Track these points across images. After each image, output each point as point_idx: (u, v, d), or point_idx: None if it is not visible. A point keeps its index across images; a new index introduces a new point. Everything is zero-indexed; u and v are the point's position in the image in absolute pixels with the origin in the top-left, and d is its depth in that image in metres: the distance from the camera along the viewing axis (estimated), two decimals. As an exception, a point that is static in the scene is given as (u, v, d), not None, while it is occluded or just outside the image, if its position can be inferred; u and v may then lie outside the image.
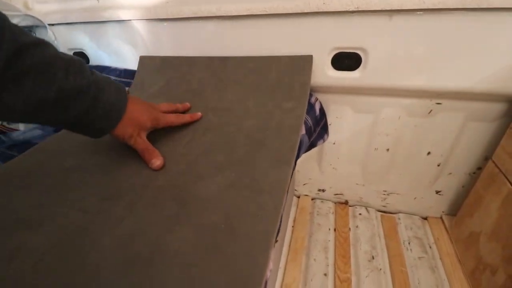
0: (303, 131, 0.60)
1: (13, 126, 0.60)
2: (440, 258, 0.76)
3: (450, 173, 0.80)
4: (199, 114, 0.56)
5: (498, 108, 0.65)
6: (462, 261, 0.72)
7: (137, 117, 0.42)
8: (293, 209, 0.96)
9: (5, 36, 0.26)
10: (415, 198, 0.88)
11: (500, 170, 0.62)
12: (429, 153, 0.77)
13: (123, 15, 0.75)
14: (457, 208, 0.80)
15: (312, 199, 1.00)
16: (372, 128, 0.78)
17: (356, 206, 0.95)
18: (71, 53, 0.94)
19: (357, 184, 0.91)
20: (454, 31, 0.55)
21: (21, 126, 0.61)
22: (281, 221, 0.41)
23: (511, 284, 0.55)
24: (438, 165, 0.78)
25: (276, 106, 0.56)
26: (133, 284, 0.27)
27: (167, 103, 0.55)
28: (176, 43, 0.75)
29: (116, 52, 0.85)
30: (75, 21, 0.82)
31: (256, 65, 0.65)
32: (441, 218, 0.87)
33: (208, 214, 0.34)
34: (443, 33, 0.55)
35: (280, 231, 0.60)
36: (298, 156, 0.58)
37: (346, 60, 0.64)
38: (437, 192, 0.84)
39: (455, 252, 0.75)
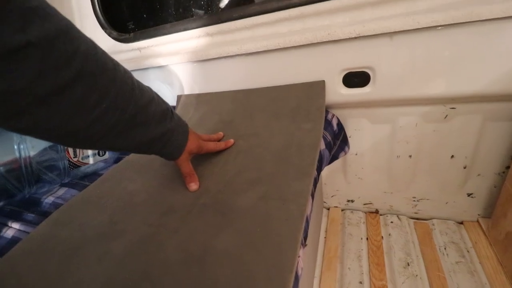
0: (323, 146, 0.67)
1: (84, 160, 0.75)
2: (480, 262, 0.74)
3: (479, 175, 0.80)
4: (232, 141, 0.66)
5: (507, 107, 0.67)
6: (502, 263, 0.71)
7: (189, 145, 0.52)
8: (324, 220, 1.00)
9: (137, 94, 0.38)
10: (446, 202, 0.88)
11: (526, 167, 0.63)
12: (452, 156, 0.79)
13: (161, 61, 0.90)
14: (493, 209, 0.79)
15: (342, 210, 1.03)
16: (391, 137, 0.82)
17: (387, 215, 0.97)
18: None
19: (385, 192, 0.94)
20: (451, 43, 0.60)
21: (91, 160, 0.75)
22: (308, 226, 0.48)
23: (553, 282, 0.54)
24: (465, 168, 0.79)
25: (297, 128, 0.64)
26: (192, 277, 0.36)
27: (205, 134, 0.66)
28: (206, 81, 0.88)
29: (157, 92, 1.00)
30: (123, 72, 0.99)
31: (276, 94, 0.74)
32: (477, 221, 0.86)
33: (245, 221, 0.42)
34: (442, 46, 0.61)
35: (309, 237, 0.66)
36: (320, 169, 0.65)
37: (356, 79, 0.71)
38: (469, 195, 0.84)
39: (495, 255, 0.74)
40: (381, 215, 0.98)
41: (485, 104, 0.69)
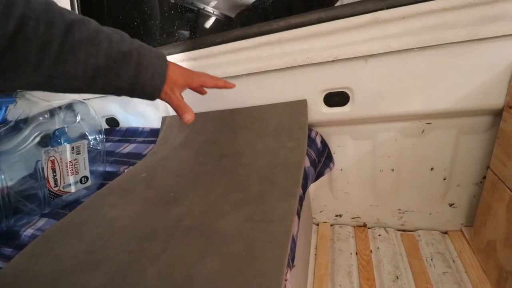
0: (308, 164, 0.69)
1: (65, 189, 0.73)
2: (465, 271, 0.76)
3: (458, 185, 0.83)
4: (233, 84, 0.55)
5: (485, 120, 0.71)
6: (487, 272, 0.73)
7: (172, 74, 0.44)
8: (313, 237, 1.00)
9: (56, 16, 0.32)
10: (430, 213, 0.90)
11: (499, 178, 0.66)
12: (432, 168, 0.82)
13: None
14: (474, 218, 0.82)
15: (331, 225, 1.04)
16: (373, 152, 0.84)
17: (375, 228, 0.98)
18: (104, 119, 1.10)
19: (371, 205, 0.95)
20: (423, 64, 0.64)
21: (72, 188, 0.73)
22: (295, 246, 0.48)
23: (533, 289, 0.56)
24: (444, 179, 0.82)
25: (281, 147, 0.65)
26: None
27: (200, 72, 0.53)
28: (191, 102, 0.87)
29: (142, 114, 1.00)
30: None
31: (259, 114, 0.76)
32: (461, 230, 0.88)
33: (230, 245, 0.42)
34: (414, 67, 0.65)
35: (299, 256, 0.66)
36: (306, 186, 0.66)
37: (336, 98, 0.74)
38: (450, 205, 0.87)
39: (480, 264, 0.76)
40: (369, 228, 0.99)
41: (458, 119, 0.73)
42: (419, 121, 0.75)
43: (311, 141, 0.76)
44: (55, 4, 0.33)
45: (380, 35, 0.63)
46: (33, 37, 0.30)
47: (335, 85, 0.72)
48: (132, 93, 0.41)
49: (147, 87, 0.41)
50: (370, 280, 0.80)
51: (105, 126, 1.12)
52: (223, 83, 0.54)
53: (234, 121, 0.78)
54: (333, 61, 0.67)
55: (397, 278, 0.79)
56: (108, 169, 0.80)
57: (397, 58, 0.65)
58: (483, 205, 0.74)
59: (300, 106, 0.73)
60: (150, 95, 0.42)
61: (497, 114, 0.68)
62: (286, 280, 0.39)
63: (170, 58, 0.86)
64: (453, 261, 0.80)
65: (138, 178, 0.69)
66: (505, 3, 0.54)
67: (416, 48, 0.62)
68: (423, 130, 0.77)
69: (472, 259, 0.78)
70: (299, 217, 0.52)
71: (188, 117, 0.47)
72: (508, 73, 0.60)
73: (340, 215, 1.02)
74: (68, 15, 0.33)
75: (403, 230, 0.95)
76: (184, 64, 0.85)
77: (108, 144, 0.96)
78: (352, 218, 1.01)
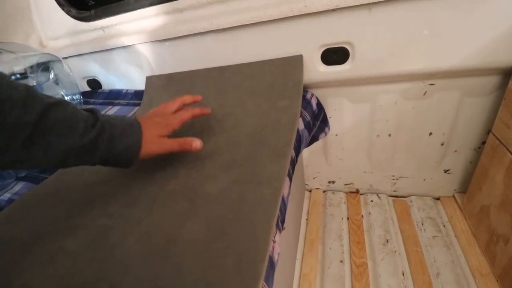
0: (302, 126, 0.64)
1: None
2: (455, 235, 0.76)
3: (456, 151, 0.80)
4: (209, 110, 0.57)
5: (491, 81, 0.67)
6: (476, 236, 0.73)
7: (152, 135, 0.44)
8: (305, 202, 1.00)
9: (36, 99, 0.33)
10: (424, 179, 0.89)
11: (501, 142, 0.63)
12: (430, 133, 0.78)
13: (126, 41, 0.82)
14: (468, 184, 0.81)
15: (324, 192, 1.03)
16: (371, 116, 0.80)
17: (367, 194, 0.97)
18: (85, 80, 1.03)
19: (365, 172, 0.94)
20: (431, 14, 0.57)
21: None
22: (285, 208, 0.45)
23: (523, 252, 0.56)
24: (442, 144, 0.79)
25: (272, 106, 0.60)
26: (153, 272, 0.32)
27: (174, 100, 0.55)
28: (178, 60, 0.81)
29: (125, 75, 0.93)
30: (85, 52, 0.91)
31: (251, 71, 0.69)
32: (453, 196, 0.88)
33: (216, 207, 0.39)
34: (421, 18, 0.58)
35: (289, 219, 0.64)
36: (299, 150, 0.62)
37: (335, 55, 0.68)
38: (445, 171, 0.85)
39: (470, 228, 0.76)
40: (361, 194, 0.98)
41: (463, 79, 0.68)
42: (422, 81, 0.70)
43: (306, 103, 0.71)
44: (35, 89, 0.34)
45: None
46: (7, 120, 0.30)
47: (334, 40, 0.65)
48: (107, 164, 0.41)
49: (122, 157, 0.41)
50: (360, 244, 0.80)
51: (86, 88, 1.04)
52: (199, 111, 0.55)
53: (223, 79, 0.72)
54: (333, 10, 0.60)
55: (387, 241, 0.79)
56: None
57: (403, 8, 0.57)
58: (480, 171, 0.72)
59: (295, 62, 0.66)
60: (126, 164, 0.42)
61: (506, 74, 0.63)
62: (274, 242, 0.36)
63: (152, 9, 0.78)
64: (444, 225, 0.80)
65: None
66: None
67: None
68: (425, 92, 0.72)
69: (463, 224, 0.78)
70: (290, 179, 0.49)
71: (196, 145, 0.48)
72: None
73: (333, 182, 1.01)
74: (46, 99, 0.34)
75: (396, 196, 0.95)
76: (169, 17, 0.77)
77: (90, 107, 0.90)
78: (345, 184, 1.00)
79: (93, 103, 0.93)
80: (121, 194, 0.46)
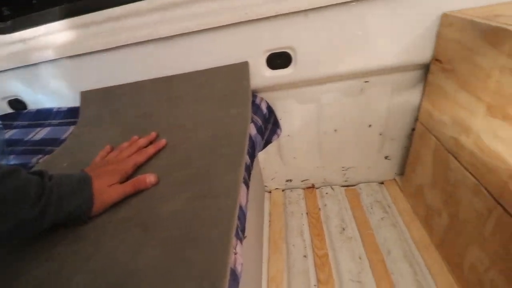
0: (254, 132, 0.65)
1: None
2: (399, 214, 0.85)
3: (393, 139, 0.90)
4: (163, 141, 0.56)
5: (415, 75, 0.76)
6: (416, 212, 0.83)
7: (103, 186, 0.42)
8: (266, 204, 1.01)
9: None
10: (369, 167, 0.97)
11: (426, 128, 0.73)
12: (370, 125, 0.86)
13: (54, 54, 0.74)
14: (405, 168, 0.91)
15: (283, 191, 1.06)
16: (317, 114, 0.85)
17: (322, 187, 1.03)
18: (5, 101, 0.89)
19: (317, 167, 0.99)
20: (362, 19, 0.63)
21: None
22: (244, 216, 0.45)
23: (452, 221, 0.65)
24: (380, 134, 0.88)
25: (223, 115, 0.60)
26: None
27: (131, 145, 0.55)
28: (118, 72, 0.76)
29: (55, 92, 0.83)
30: (3, 69, 0.79)
31: (198, 79, 0.68)
32: (394, 179, 0.98)
33: (172, 230, 0.37)
34: (354, 22, 0.64)
35: (250, 226, 0.64)
36: (254, 155, 0.63)
37: (279, 60, 0.70)
38: (386, 157, 0.95)
39: (410, 207, 0.86)
40: (317, 188, 1.03)
41: (392, 75, 0.76)
42: (358, 79, 0.77)
43: (256, 108, 0.72)
44: None
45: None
46: None
47: (277, 45, 0.68)
48: (58, 222, 0.39)
49: (73, 217, 0.40)
50: (320, 236, 0.84)
51: (7, 109, 0.91)
52: (154, 150, 0.54)
53: (170, 90, 0.69)
54: (274, 16, 0.62)
55: (343, 229, 0.85)
56: (14, 161, 0.65)
57: (337, 13, 0.62)
58: (413, 154, 0.82)
59: (241, 69, 0.67)
60: (79, 220, 0.41)
61: (425, 69, 0.73)
62: (236, 253, 0.36)
63: (81, 18, 0.71)
64: (389, 207, 0.89)
65: (58, 169, 0.57)
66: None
67: (353, 1, 0.60)
68: (362, 89, 0.79)
69: (404, 203, 0.88)
70: (247, 187, 0.49)
71: (150, 180, 0.46)
72: (435, 27, 0.63)
73: (291, 180, 1.05)
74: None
75: (347, 186, 1.02)
76: (102, 26, 0.70)
77: (12, 131, 0.78)
78: (302, 181, 1.04)
79: (17, 126, 0.81)
80: (63, 231, 0.41)
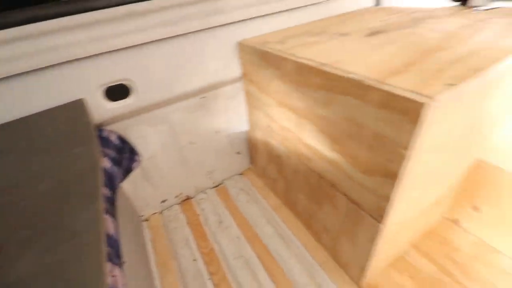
0: (109, 165, 0.66)
1: None
2: (258, 193, 1.08)
3: (237, 137, 1.11)
4: None
5: (237, 86, 0.98)
6: (267, 186, 1.08)
7: None
8: (146, 232, 1.00)
9: None
10: (228, 164, 1.16)
11: (251, 123, 0.97)
12: (217, 132, 1.04)
13: None
14: (252, 156, 1.15)
15: (160, 213, 1.08)
16: (172, 133, 0.94)
17: (196, 195, 1.13)
18: None
19: (186, 179, 1.08)
20: (188, 49, 0.78)
21: None
22: (117, 244, 0.48)
23: (286, 183, 0.91)
24: (227, 136, 1.07)
25: (67, 156, 0.58)
26: None
27: None
28: None
29: None
30: None
31: (29, 126, 0.61)
32: (249, 168, 1.21)
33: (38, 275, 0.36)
34: (181, 52, 0.77)
35: (127, 252, 0.65)
36: (114, 186, 0.64)
37: (118, 91, 0.74)
38: (237, 153, 1.16)
39: (264, 184, 1.10)
40: (192, 198, 1.12)
41: (221, 88, 0.95)
42: (197, 97, 0.91)
43: (105, 141, 0.72)
44: None
45: (140, 26, 0.68)
46: None
47: (112, 78, 0.71)
48: None
49: None
50: (203, 236, 0.94)
51: None
52: None
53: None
54: (103, 53, 0.65)
55: (221, 222, 0.98)
56: None
57: (163, 46, 0.73)
58: (251, 143, 1.06)
59: (78, 107, 0.66)
60: None
61: (239, 81, 0.96)
62: (115, 276, 0.39)
63: None
64: (250, 189, 1.11)
65: None
66: (220, 1, 0.76)
67: (172, 36, 0.73)
68: (201, 104, 0.94)
69: (259, 183, 1.12)
70: (113, 216, 0.51)
71: None
72: (237, 52, 0.85)
73: (165, 200, 1.08)
74: None
75: (216, 186, 1.16)
76: None
77: None
78: (175, 196, 1.10)
79: None
80: None
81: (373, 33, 0.67)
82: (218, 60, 0.85)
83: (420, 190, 0.56)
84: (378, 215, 0.55)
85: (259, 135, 0.95)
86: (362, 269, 0.69)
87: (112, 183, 0.61)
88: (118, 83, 0.73)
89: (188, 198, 1.12)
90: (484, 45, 0.52)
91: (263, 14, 0.84)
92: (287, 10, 0.88)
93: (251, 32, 0.86)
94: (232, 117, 1.04)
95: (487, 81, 0.45)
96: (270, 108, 0.80)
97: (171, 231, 0.98)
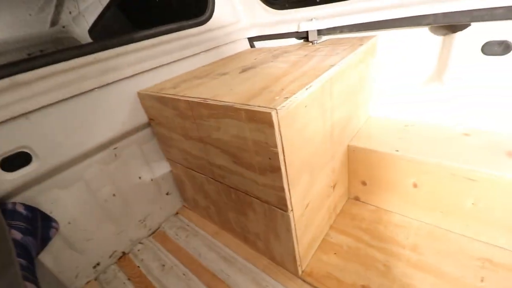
0: (19, 236, 0.63)
1: None
2: (196, 225, 1.12)
3: (163, 178, 1.15)
4: None
5: (147, 131, 1.04)
6: (202, 216, 1.13)
7: None
8: (81, 303, 0.92)
9: None
10: (160, 208, 1.17)
11: (170, 158, 1.03)
12: (140, 177, 1.06)
13: None
14: (180, 192, 1.19)
15: (95, 279, 1.00)
16: (89, 190, 0.92)
17: (133, 248, 1.09)
18: None
19: (118, 234, 1.04)
20: (86, 106, 0.82)
21: None
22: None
23: (213, 204, 0.98)
24: (152, 180, 1.10)
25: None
26: None
27: None
28: None
29: None
30: None
31: None
32: (183, 205, 1.24)
33: None
34: (73, 111, 0.80)
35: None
36: (31, 256, 0.61)
37: (17, 161, 0.72)
38: (167, 193, 1.18)
39: (198, 215, 1.15)
40: (128, 253, 1.07)
41: (132, 136, 1.00)
42: (107, 148, 0.94)
43: (12, 213, 0.69)
44: None
45: (30, 94, 0.71)
46: None
47: (7, 149, 0.70)
48: None
49: None
50: (149, 286, 0.92)
51: None
52: None
53: None
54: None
55: (163, 265, 0.98)
56: None
57: (57, 108, 0.76)
58: (178, 182, 1.12)
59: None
60: None
61: (149, 126, 1.03)
62: None
63: None
64: (188, 225, 1.13)
65: None
66: (112, 60, 0.84)
67: (68, 98, 0.77)
68: (115, 154, 0.97)
69: (194, 216, 1.16)
70: (32, 281, 0.51)
71: None
72: (137, 100, 0.93)
73: (98, 263, 1.01)
74: None
75: (153, 232, 1.15)
76: None
77: None
78: (110, 256, 1.04)
79: None
80: None
81: (245, 70, 0.85)
82: (122, 111, 0.91)
83: (306, 176, 0.71)
84: (283, 204, 0.67)
85: (180, 170, 1.01)
86: (294, 259, 0.79)
87: (28, 253, 0.59)
88: (15, 152, 0.72)
89: (124, 254, 1.08)
90: (312, 67, 0.73)
91: (157, 66, 0.96)
92: (177, 60, 1.02)
93: (148, 82, 0.96)
94: (152, 161, 1.09)
95: (317, 88, 0.64)
96: (181, 143, 0.89)
97: (110, 292, 0.93)
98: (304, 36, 1.09)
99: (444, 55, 0.87)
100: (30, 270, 0.53)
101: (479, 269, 0.74)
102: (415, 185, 0.86)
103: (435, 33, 0.85)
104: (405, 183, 0.88)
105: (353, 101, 0.88)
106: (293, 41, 1.15)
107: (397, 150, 0.84)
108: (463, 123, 0.88)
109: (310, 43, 1.05)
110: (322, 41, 1.04)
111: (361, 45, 0.85)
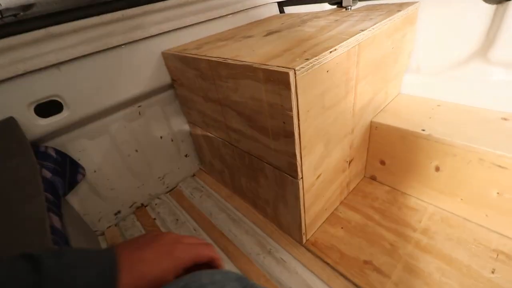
0: (49, 175, 0.70)
1: None
2: (210, 188, 1.16)
3: (182, 140, 1.19)
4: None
5: (170, 92, 1.07)
6: (217, 180, 1.16)
7: (144, 273, 0.30)
8: (103, 245, 1.02)
9: None
10: (178, 168, 1.22)
11: (193, 123, 1.06)
12: (161, 137, 1.10)
13: None
14: (199, 157, 1.23)
15: (116, 225, 1.09)
16: (113, 143, 0.98)
17: (151, 201, 1.17)
18: None
19: (138, 187, 1.11)
20: (110, 63, 0.84)
21: None
22: (65, 238, 0.52)
23: (229, 170, 1.00)
24: (172, 140, 1.14)
25: (3, 168, 0.61)
26: None
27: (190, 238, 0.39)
28: None
29: None
30: None
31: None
32: (200, 168, 1.29)
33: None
34: (105, 66, 0.83)
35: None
36: (57, 193, 0.67)
37: (49, 108, 0.78)
38: (186, 155, 1.23)
39: (214, 179, 1.19)
40: (146, 206, 1.15)
41: (155, 96, 1.03)
42: (132, 106, 0.98)
43: (43, 155, 0.75)
44: None
45: (62, 46, 0.74)
46: None
47: (40, 96, 0.75)
48: None
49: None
50: (162, 236, 0.99)
51: None
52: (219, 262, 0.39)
53: None
54: (23, 74, 0.70)
55: (177, 220, 1.04)
56: None
57: (87, 62, 0.79)
58: (197, 146, 1.15)
59: (8, 125, 0.69)
60: None
61: (173, 87, 1.05)
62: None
63: None
64: (203, 187, 1.18)
65: None
66: (139, 18, 0.84)
67: (96, 51, 0.79)
68: (139, 112, 1.01)
69: (210, 179, 1.20)
70: (59, 216, 0.56)
71: (209, 250, 0.37)
72: (162, 60, 0.94)
73: (119, 211, 1.10)
74: None
75: (171, 190, 1.22)
76: None
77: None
78: (129, 207, 1.13)
79: None
80: None
81: (270, 33, 0.82)
82: (147, 70, 0.93)
83: (321, 146, 0.70)
84: (293, 171, 0.67)
85: (199, 133, 1.04)
86: (300, 227, 0.81)
87: (55, 191, 0.65)
88: (47, 100, 0.77)
89: (142, 206, 1.16)
90: (340, 31, 0.68)
91: (182, 26, 0.95)
92: (203, 22, 1.00)
93: (173, 42, 0.95)
94: (173, 123, 1.12)
95: (342, 53, 0.60)
96: (201, 105, 0.90)
97: (129, 238, 1.01)
98: (338, 1, 1.01)
99: (493, 29, 0.77)
100: (56, 205, 0.59)
101: (492, 261, 0.71)
102: (437, 169, 0.81)
103: (487, 1, 0.75)
104: (427, 165, 0.83)
105: (382, 74, 0.83)
106: (326, 6, 1.08)
107: (423, 130, 0.79)
108: (504, 106, 0.80)
109: (344, 9, 0.98)
110: (357, 7, 0.96)
111: (399, 11, 0.78)
